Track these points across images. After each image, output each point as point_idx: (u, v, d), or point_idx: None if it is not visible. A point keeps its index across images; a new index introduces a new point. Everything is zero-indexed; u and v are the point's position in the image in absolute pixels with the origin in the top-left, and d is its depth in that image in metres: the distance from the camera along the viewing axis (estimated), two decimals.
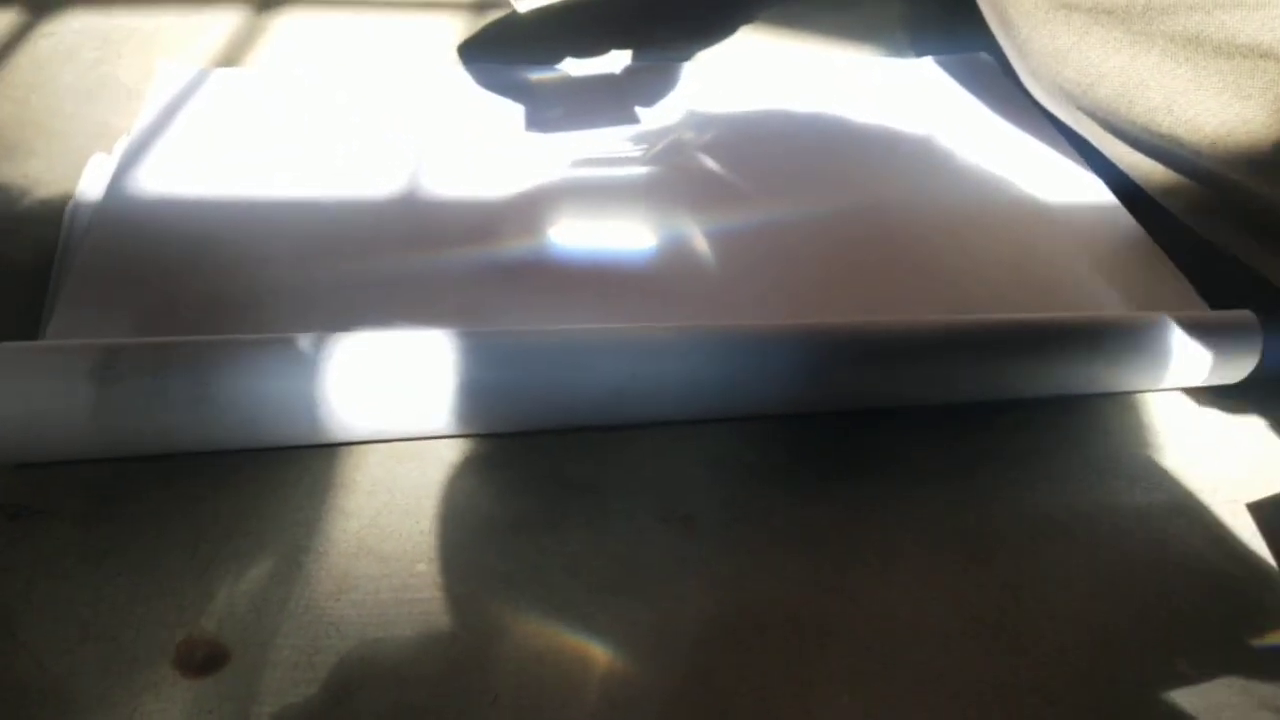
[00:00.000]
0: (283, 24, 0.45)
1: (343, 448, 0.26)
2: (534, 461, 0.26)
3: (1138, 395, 0.30)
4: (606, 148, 0.38)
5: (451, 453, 0.26)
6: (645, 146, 0.38)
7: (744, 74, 0.43)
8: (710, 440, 0.27)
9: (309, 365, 0.24)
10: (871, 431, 0.28)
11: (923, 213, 0.36)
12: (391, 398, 0.25)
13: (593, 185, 0.36)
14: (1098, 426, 0.29)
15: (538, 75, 0.41)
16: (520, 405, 0.26)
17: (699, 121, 0.40)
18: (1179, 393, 0.31)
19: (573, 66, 0.42)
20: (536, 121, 0.39)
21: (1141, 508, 0.27)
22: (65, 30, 0.43)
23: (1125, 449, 0.29)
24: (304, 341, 0.25)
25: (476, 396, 0.25)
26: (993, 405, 0.29)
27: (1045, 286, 0.33)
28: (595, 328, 0.27)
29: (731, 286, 0.32)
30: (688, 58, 0.44)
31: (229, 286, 0.30)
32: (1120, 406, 0.30)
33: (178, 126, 0.37)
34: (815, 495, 0.26)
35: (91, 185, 0.34)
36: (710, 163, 0.37)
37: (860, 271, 0.33)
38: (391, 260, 0.32)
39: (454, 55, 0.43)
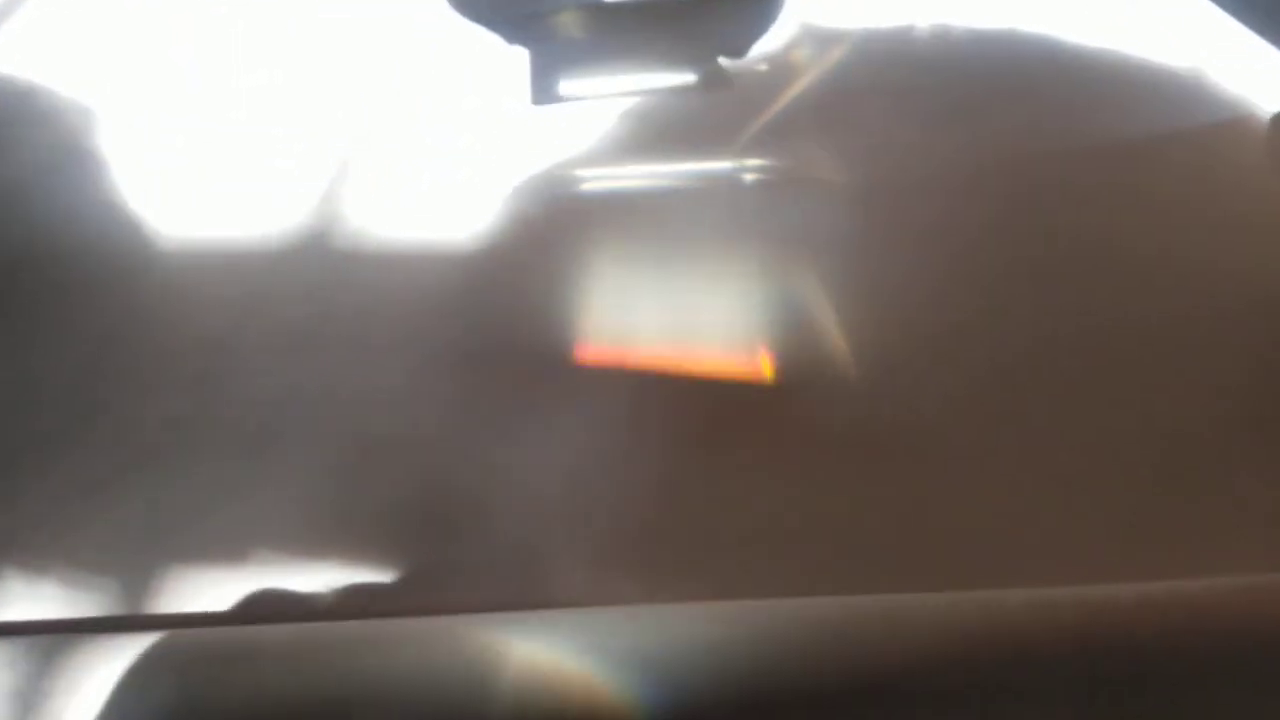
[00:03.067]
0: None
1: None
2: None
3: None
4: (665, 132, 0.24)
5: None
6: (731, 133, 0.24)
7: None
8: None
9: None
10: None
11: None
12: None
13: (637, 203, 0.22)
14: None
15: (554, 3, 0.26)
16: None
17: (824, 80, 0.25)
18: None
19: None
20: (551, 83, 0.24)
21: None
22: None
23: None
24: None
25: None
26: None
27: None
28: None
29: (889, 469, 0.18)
30: None
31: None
32: None
33: None
34: None
35: None
36: (840, 168, 0.23)
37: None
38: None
39: None
